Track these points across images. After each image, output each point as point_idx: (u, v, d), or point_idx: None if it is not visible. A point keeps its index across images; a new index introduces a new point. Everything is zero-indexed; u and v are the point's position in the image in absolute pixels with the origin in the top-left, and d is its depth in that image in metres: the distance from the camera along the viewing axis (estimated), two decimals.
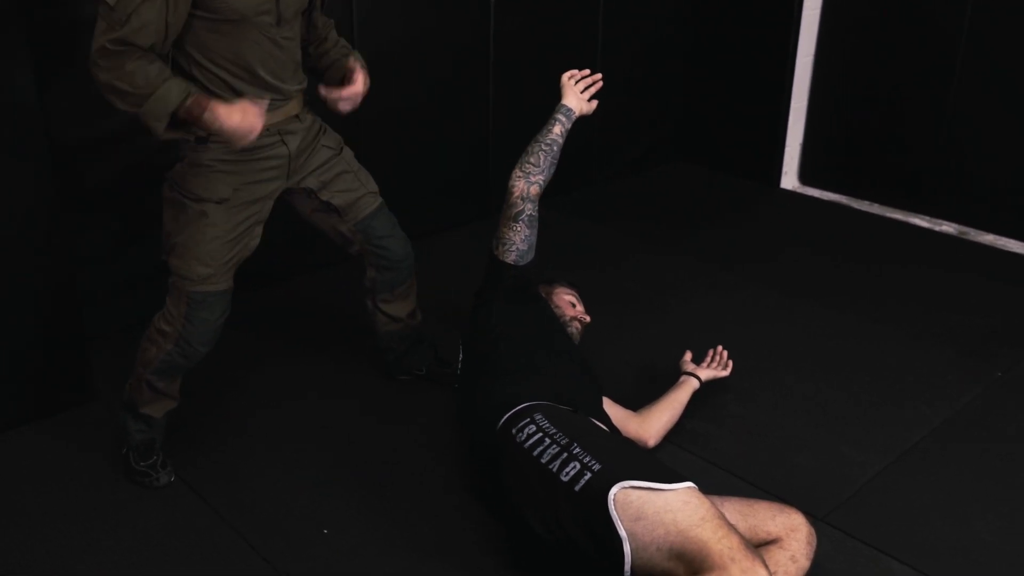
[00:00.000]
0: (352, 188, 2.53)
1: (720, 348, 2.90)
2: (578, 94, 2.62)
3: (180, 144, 2.23)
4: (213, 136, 2.15)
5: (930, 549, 2.25)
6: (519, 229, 2.50)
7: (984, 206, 4.24)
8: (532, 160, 2.51)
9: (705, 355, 2.89)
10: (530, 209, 2.50)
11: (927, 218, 4.41)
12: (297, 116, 2.35)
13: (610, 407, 2.56)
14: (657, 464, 1.98)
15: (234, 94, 2.16)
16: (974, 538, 2.29)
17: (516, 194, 2.49)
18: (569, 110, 2.59)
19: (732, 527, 1.80)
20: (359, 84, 2.41)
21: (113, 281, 3.15)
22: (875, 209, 4.54)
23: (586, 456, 1.93)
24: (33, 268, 2.58)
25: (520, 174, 2.51)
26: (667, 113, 4.94)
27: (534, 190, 2.51)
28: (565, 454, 1.95)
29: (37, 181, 2.53)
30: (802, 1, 4.43)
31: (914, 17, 4.27)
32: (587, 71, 2.64)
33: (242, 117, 2.06)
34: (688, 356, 2.87)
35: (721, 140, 4.92)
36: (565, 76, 2.63)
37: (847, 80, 4.57)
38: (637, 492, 1.84)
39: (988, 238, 4.20)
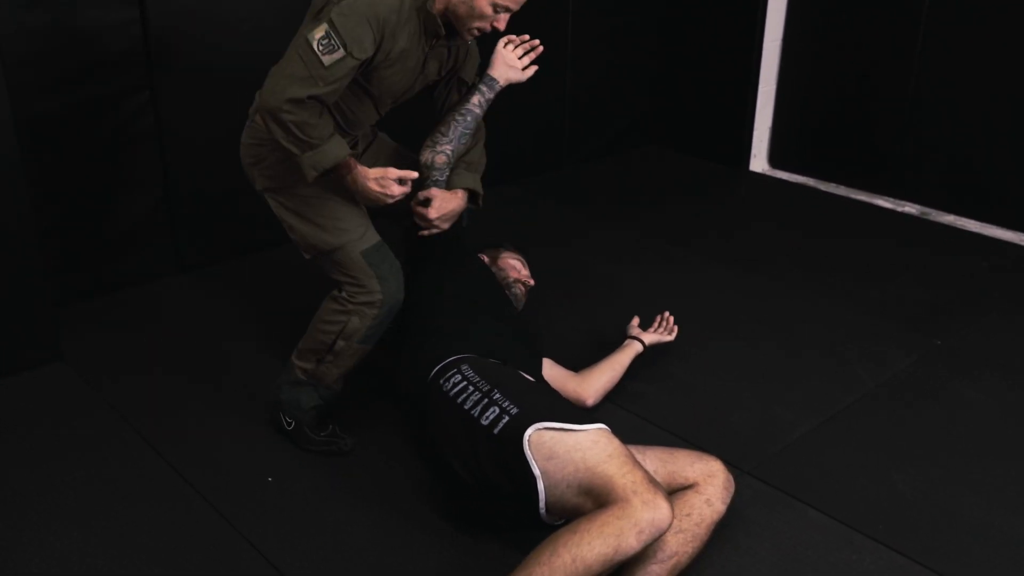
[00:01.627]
0: (396, 163, 2.58)
1: (667, 314, 2.98)
2: (508, 62, 2.54)
3: (260, 165, 2.43)
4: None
5: (847, 499, 2.34)
6: (429, 184, 2.49)
7: (945, 188, 4.33)
8: (441, 129, 2.51)
9: (653, 321, 2.98)
10: (436, 176, 2.51)
11: (891, 199, 4.50)
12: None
13: (551, 368, 2.67)
14: (572, 408, 2.08)
15: None
16: (890, 490, 2.38)
17: (421, 162, 2.50)
18: (493, 80, 2.53)
19: (638, 464, 1.90)
20: (430, 212, 2.49)
21: (76, 251, 3.26)
22: (841, 191, 4.63)
23: (505, 401, 2.03)
24: (1, 231, 2.69)
25: (428, 143, 2.52)
26: (637, 97, 5.03)
27: (440, 159, 2.50)
28: (486, 400, 2.05)
29: (3, 146, 2.64)
30: None
31: (877, 8, 4.35)
32: (526, 36, 2.58)
33: (379, 186, 2.27)
34: (635, 321, 2.96)
35: (691, 124, 5.01)
36: (501, 43, 2.57)
37: (815, 65, 4.66)
38: (550, 433, 1.94)
39: (948, 218, 4.29)
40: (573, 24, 4.52)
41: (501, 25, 2.33)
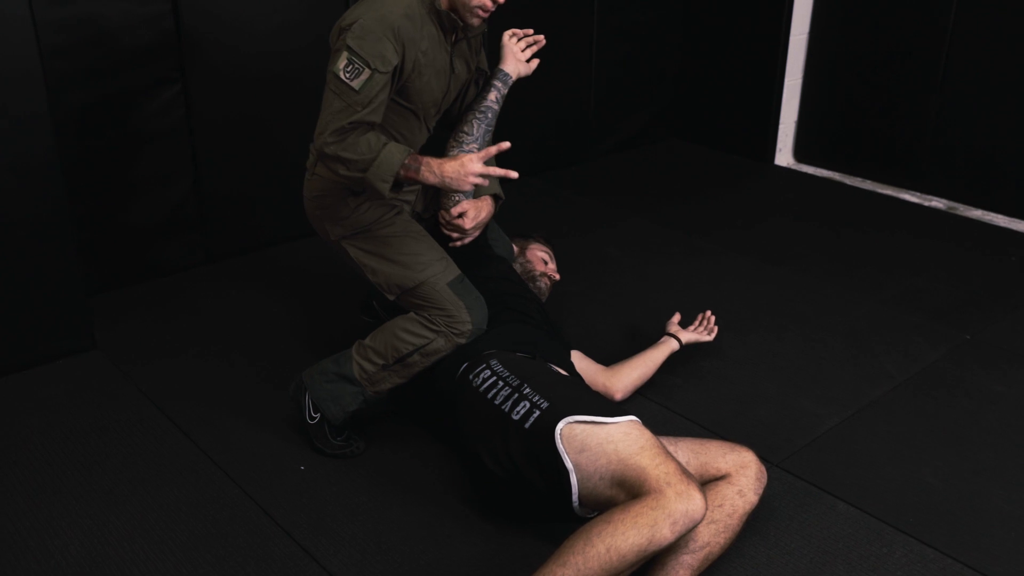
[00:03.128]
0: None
1: (708, 313, 2.94)
2: (517, 56, 2.55)
3: (331, 215, 2.42)
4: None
5: (876, 491, 2.35)
6: (457, 199, 2.52)
7: (973, 182, 4.30)
8: (465, 129, 2.50)
9: (694, 319, 2.94)
10: None
11: (918, 194, 4.48)
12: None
13: (581, 360, 2.67)
14: (603, 401, 2.09)
15: None
16: (919, 483, 2.38)
17: None
18: (506, 75, 2.53)
19: (670, 455, 1.91)
20: (465, 222, 2.51)
21: (108, 242, 3.30)
22: (867, 185, 4.61)
23: (535, 395, 2.05)
24: (36, 221, 2.73)
25: (453, 144, 2.51)
26: (662, 90, 5.03)
27: None
28: (516, 395, 2.07)
29: (40, 138, 2.68)
30: None
31: (905, 1, 4.33)
32: (530, 30, 2.58)
33: (459, 165, 2.19)
34: (676, 318, 2.92)
35: (715, 117, 4.99)
36: (506, 35, 2.57)
37: (841, 59, 4.65)
38: (581, 426, 1.96)
39: (976, 213, 4.27)
40: (598, 17, 4.51)
41: None
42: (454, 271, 2.39)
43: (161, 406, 2.68)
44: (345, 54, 2.17)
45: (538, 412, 2.01)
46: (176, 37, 3.21)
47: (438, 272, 2.37)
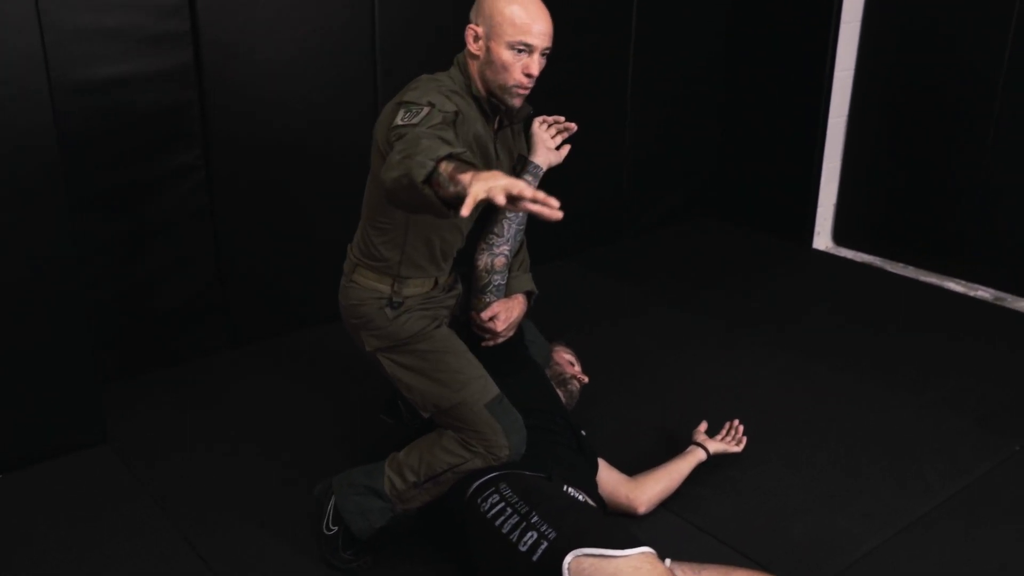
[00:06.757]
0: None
1: (736, 422, 2.81)
2: (548, 144, 2.46)
3: (368, 326, 2.30)
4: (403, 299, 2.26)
5: None
6: (488, 301, 2.45)
7: (1021, 271, 4.13)
8: (495, 230, 2.41)
9: (721, 427, 2.81)
10: (498, 280, 2.43)
11: (963, 282, 4.31)
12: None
13: (604, 470, 2.55)
14: (615, 529, 1.97)
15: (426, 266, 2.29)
16: None
17: (480, 267, 2.41)
18: (537, 167, 2.44)
19: None
20: (497, 325, 2.45)
21: (128, 328, 3.25)
22: (909, 272, 4.46)
23: (543, 525, 1.95)
24: (49, 313, 2.69)
25: (484, 246, 2.41)
26: (699, 169, 4.94)
27: (499, 261, 2.42)
28: (524, 523, 1.97)
29: (55, 227, 2.65)
30: (835, 61, 4.42)
31: (948, 81, 4.23)
32: (560, 117, 2.50)
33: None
34: (702, 427, 2.79)
35: (753, 198, 4.89)
36: (536, 122, 2.48)
37: (882, 141, 4.54)
38: (589, 560, 1.85)
39: None
40: (632, 92, 4.45)
41: (534, 68, 2.18)
42: (492, 391, 2.24)
43: (166, 508, 2.60)
44: (401, 109, 2.00)
45: (546, 543, 1.91)
46: (201, 124, 3.20)
47: (475, 392, 2.22)
